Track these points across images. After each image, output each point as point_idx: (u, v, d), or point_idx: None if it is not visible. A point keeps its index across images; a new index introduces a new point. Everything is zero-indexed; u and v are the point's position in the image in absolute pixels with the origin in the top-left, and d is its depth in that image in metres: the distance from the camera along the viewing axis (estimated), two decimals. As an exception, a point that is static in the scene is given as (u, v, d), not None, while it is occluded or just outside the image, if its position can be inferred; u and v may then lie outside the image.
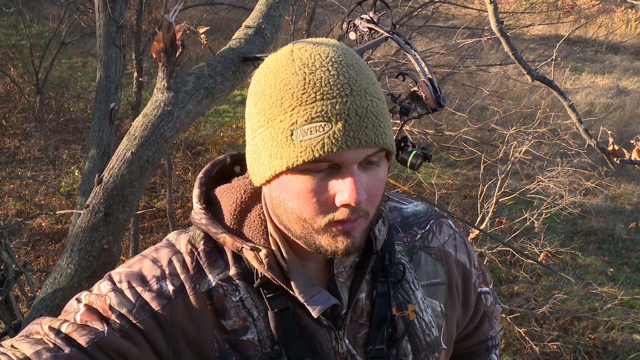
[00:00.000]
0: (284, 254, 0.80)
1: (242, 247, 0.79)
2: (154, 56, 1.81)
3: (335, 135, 0.68)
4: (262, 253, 0.78)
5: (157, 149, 1.87)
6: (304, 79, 0.70)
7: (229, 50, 2.11)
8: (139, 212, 5.06)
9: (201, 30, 2.19)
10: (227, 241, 0.81)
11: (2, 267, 2.05)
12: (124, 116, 8.17)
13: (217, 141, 7.98)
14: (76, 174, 7.39)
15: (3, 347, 0.77)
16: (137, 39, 4.99)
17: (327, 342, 0.83)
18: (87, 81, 9.41)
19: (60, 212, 2.39)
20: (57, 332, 0.76)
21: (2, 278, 2.02)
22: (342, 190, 0.71)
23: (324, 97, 0.69)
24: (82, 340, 0.75)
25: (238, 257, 0.84)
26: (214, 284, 0.82)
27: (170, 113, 1.87)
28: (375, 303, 0.86)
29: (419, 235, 0.94)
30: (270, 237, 0.82)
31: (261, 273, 0.80)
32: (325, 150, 0.69)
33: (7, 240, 2.15)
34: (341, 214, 0.72)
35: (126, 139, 1.88)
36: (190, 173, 8.07)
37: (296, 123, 0.70)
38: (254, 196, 0.85)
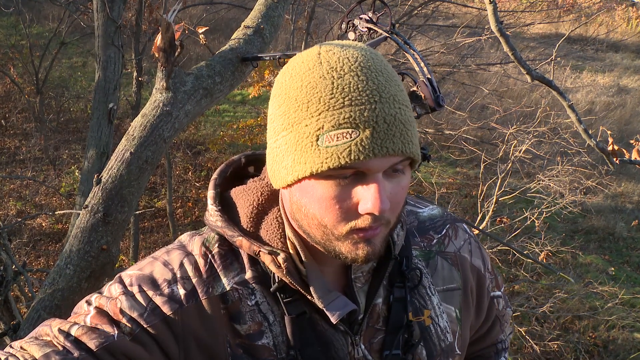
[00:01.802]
0: (303, 258, 0.79)
1: (260, 251, 0.78)
2: (156, 54, 1.80)
3: (363, 143, 0.67)
4: (281, 257, 0.77)
5: (155, 149, 1.87)
6: (332, 83, 0.69)
7: (228, 50, 2.10)
8: (139, 212, 5.06)
9: (200, 30, 2.19)
10: (244, 244, 0.79)
11: (1, 268, 2.04)
12: (124, 116, 8.18)
13: (217, 141, 7.97)
14: (76, 174, 7.40)
15: (13, 348, 0.77)
16: (136, 39, 4.99)
17: (343, 348, 0.82)
18: (87, 81, 9.42)
19: (59, 212, 2.39)
20: (67, 334, 0.76)
21: (1, 278, 2.02)
22: (366, 198, 0.69)
23: (353, 103, 0.67)
24: (92, 343, 0.74)
25: (254, 260, 0.82)
26: (228, 287, 0.81)
27: (169, 113, 1.87)
28: (391, 308, 0.85)
29: (435, 240, 0.94)
30: (288, 241, 0.80)
31: (278, 277, 0.79)
32: (352, 157, 0.67)
33: (7, 240, 2.15)
34: (363, 221, 0.71)
35: (125, 139, 1.88)
36: (190, 173, 8.07)
37: (322, 128, 0.68)
38: (271, 198, 0.83)
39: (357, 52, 0.71)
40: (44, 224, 6.73)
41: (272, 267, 0.78)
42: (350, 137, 0.67)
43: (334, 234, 0.73)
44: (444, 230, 0.95)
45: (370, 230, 0.72)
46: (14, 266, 2.11)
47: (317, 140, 0.68)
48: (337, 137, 0.67)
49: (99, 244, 1.82)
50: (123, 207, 1.85)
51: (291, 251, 0.79)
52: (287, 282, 0.78)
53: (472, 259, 0.96)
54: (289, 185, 0.75)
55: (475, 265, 0.97)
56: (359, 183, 0.70)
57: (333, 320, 0.78)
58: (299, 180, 0.72)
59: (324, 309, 0.78)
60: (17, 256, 5.68)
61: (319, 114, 0.68)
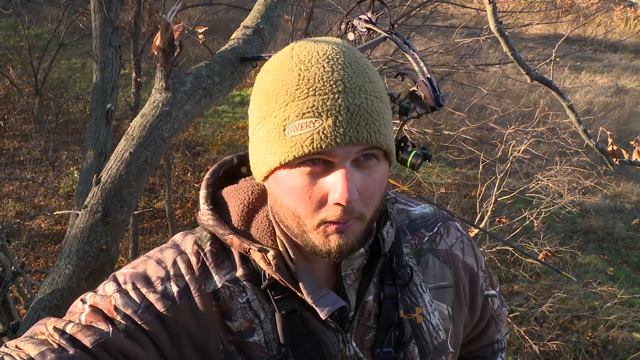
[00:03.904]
0: (292, 255, 0.79)
1: (250, 249, 0.79)
2: (155, 53, 1.80)
3: (325, 131, 0.68)
4: (270, 254, 0.78)
5: (155, 149, 1.87)
6: (299, 75, 0.71)
7: (227, 50, 2.10)
8: (138, 212, 5.05)
9: (200, 31, 2.19)
10: (235, 242, 0.80)
11: None
12: (123, 117, 8.17)
13: (216, 142, 7.98)
14: (75, 175, 7.38)
15: (8, 347, 0.77)
16: (135, 40, 4.99)
17: (334, 345, 0.83)
18: (85, 82, 9.41)
19: (58, 212, 2.38)
20: (62, 332, 0.76)
21: None
22: (334, 188, 0.70)
23: (316, 93, 0.69)
24: (87, 341, 0.75)
25: (245, 258, 0.83)
26: (219, 285, 0.81)
27: (168, 113, 1.87)
28: (382, 306, 0.85)
29: (426, 238, 0.94)
30: (277, 239, 0.81)
31: (269, 274, 0.80)
32: (315, 146, 0.68)
33: (5, 241, 2.14)
34: (333, 214, 0.72)
35: (124, 139, 1.88)
36: (189, 173, 8.06)
37: (288, 118, 0.70)
38: (262, 197, 0.84)
39: (328, 46, 0.73)
40: (43, 225, 6.72)
41: (262, 265, 0.79)
42: (313, 126, 0.69)
43: (306, 225, 0.74)
44: (436, 228, 0.95)
45: (341, 223, 0.72)
46: (12, 267, 2.11)
47: (284, 130, 0.70)
48: (302, 127, 0.69)
49: (98, 244, 1.82)
50: (122, 207, 1.85)
51: (281, 249, 0.80)
52: (277, 279, 0.79)
53: (464, 257, 0.96)
54: (266, 178, 0.77)
55: (468, 263, 0.97)
56: (328, 173, 0.71)
57: (322, 316, 0.78)
58: (273, 172, 0.74)
59: (313, 305, 0.78)
60: (16, 257, 5.68)
61: (286, 105, 0.70)
